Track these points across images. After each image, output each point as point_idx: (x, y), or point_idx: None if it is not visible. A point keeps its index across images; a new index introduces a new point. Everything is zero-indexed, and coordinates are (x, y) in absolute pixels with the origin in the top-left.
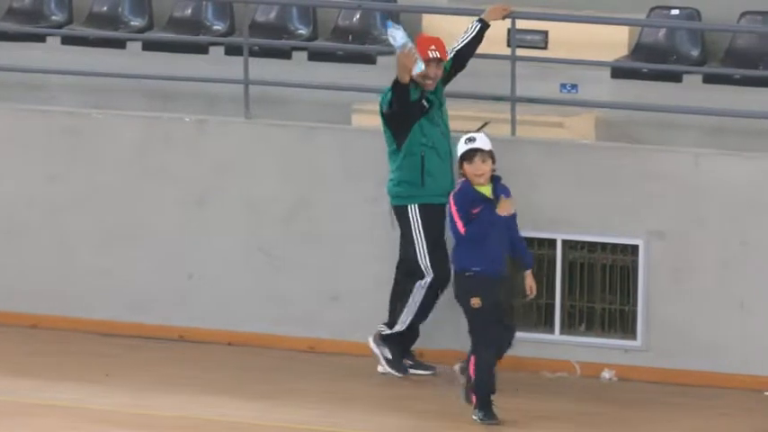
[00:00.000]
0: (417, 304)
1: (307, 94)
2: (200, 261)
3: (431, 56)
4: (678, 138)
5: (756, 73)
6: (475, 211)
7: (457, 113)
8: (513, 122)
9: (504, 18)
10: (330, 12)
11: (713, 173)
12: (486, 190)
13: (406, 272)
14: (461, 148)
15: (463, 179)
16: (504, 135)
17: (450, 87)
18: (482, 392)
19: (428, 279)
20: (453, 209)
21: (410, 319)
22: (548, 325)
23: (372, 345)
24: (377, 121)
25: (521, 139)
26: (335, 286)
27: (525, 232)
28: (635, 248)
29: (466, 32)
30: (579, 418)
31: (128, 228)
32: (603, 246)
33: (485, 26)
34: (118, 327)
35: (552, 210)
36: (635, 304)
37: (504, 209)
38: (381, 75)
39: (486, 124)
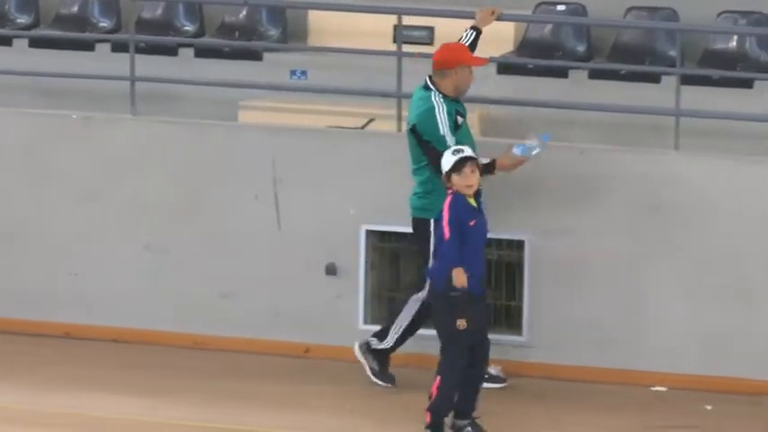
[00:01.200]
0: (410, 317)
1: (194, 90)
2: (87, 258)
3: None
4: (564, 133)
5: (642, 68)
6: (471, 223)
7: (343, 110)
8: (399, 118)
9: (498, 19)
10: (216, 8)
11: (599, 168)
12: (473, 202)
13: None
14: (450, 159)
15: (452, 191)
16: (390, 131)
17: (335, 83)
18: (438, 414)
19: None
20: (447, 219)
21: (400, 332)
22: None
23: (358, 353)
24: (263, 118)
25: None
26: (224, 284)
27: (409, 228)
28: (521, 244)
29: (460, 41)
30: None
31: (15, 225)
32: (490, 241)
33: (478, 33)
34: (6, 323)
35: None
36: (521, 300)
37: None
38: (268, 71)
39: (371, 121)
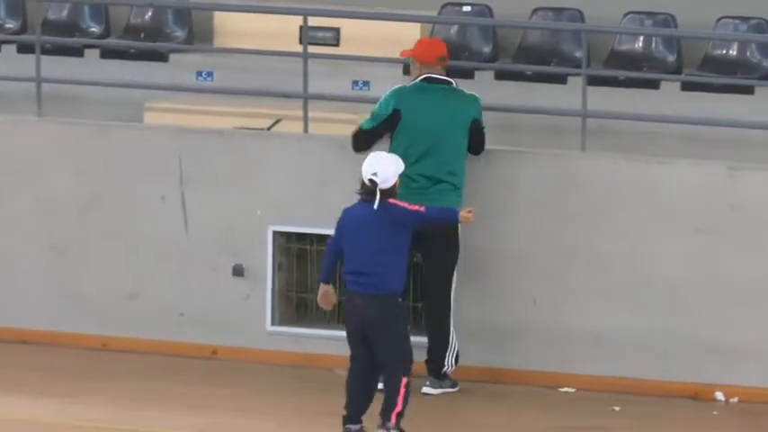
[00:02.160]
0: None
1: (99, 92)
2: None
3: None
4: None
5: (548, 69)
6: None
7: (249, 111)
8: (306, 120)
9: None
10: (122, 10)
11: (503, 169)
12: None
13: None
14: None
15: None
16: (297, 132)
17: (241, 84)
18: (403, 415)
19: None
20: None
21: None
22: (340, 321)
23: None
24: (170, 119)
25: (313, 136)
26: (131, 284)
27: (319, 229)
28: None
29: None
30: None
31: None
32: None
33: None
34: None
35: (346, 206)
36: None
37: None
38: (173, 72)
39: (278, 122)
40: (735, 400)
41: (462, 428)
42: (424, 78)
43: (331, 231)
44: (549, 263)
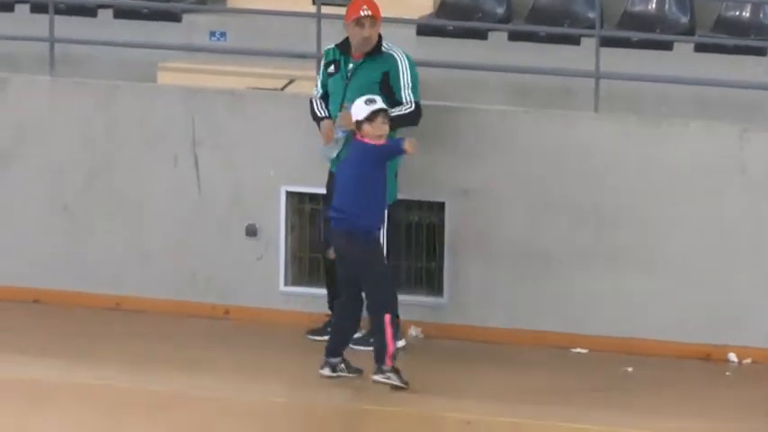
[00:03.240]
0: None
1: (112, 52)
2: (4, 221)
3: (362, 14)
4: (484, 96)
5: (561, 30)
6: None
7: (263, 71)
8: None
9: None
10: None
11: (519, 131)
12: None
13: None
14: (363, 109)
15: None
16: (310, 92)
17: (254, 45)
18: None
19: None
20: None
21: None
22: None
23: None
24: (182, 79)
25: None
26: (143, 245)
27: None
28: (441, 206)
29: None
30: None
31: None
32: (409, 203)
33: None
34: None
35: None
36: (441, 262)
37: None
38: (186, 33)
39: (291, 82)
40: (748, 361)
41: (479, 387)
42: None
43: None
44: (561, 224)
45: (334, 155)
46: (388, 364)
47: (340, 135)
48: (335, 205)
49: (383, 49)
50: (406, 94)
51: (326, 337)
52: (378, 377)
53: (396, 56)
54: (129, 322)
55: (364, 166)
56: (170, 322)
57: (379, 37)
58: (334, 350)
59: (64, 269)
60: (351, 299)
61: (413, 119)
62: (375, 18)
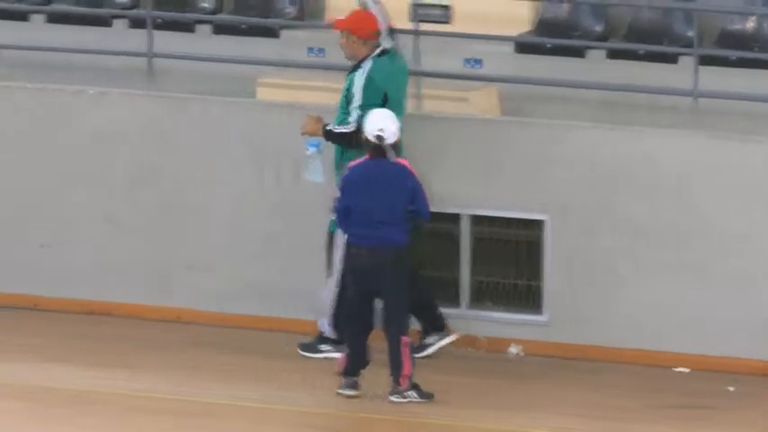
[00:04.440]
0: None
1: (212, 67)
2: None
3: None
4: (582, 113)
5: (659, 48)
6: None
7: None
8: (418, 97)
9: None
10: None
11: (616, 147)
12: None
13: None
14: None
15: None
16: (409, 109)
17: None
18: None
19: None
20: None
21: None
22: (454, 299)
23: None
24: (280, 94)
25: (424, 114)
26: (195, 256)
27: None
28: (540, 223)
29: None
30: (481, 393)
31: (29, 196)
32: (509, 221)
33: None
34: None
35: (457, 184)
36: (541, 279)
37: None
38: (284, 48)
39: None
40: None
41: (579, 407)
42: (381, 53)
43: (443, 208)
44: (660, 242)
45: (320, 178)
46: (404, 385)
47: (310, 151)
48: (373, 223)
49: (363, 62)
50: (353, 110)
51: (317, 356)
52: (395, 398)
53: (361, 69)
54: (175, 332)
55: (405, 186)
56: (220, 333)
57: (382, 50)
58: (355, 370)
59: (118, 281)
60: (368, 316)
61: (347, 141)
62: (346, 31)
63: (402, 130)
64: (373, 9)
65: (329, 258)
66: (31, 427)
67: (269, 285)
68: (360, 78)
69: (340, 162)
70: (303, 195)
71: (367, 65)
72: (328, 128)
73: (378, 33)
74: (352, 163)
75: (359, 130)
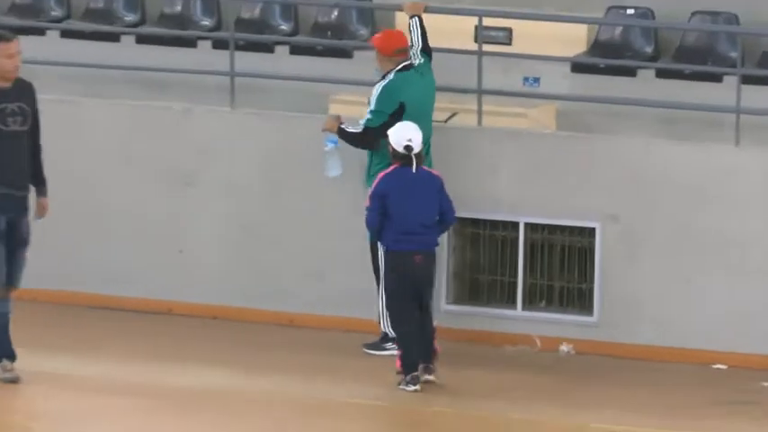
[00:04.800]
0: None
1: (288, 84)
2: (187, 239)
3: None
4: (632, 128)
5: (705, 68)
6: None
7: None
8: (480, 113)
9: (424, 11)
10: (310, 9)
11: (664, 160)
12: None
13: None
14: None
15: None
16: (472, 124)
17: None
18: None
19: None
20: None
21: None
22: (510, 301)
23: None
24: (353, 111)
25: (486, 128)
26: (315, 264)
27: (492, 214)
28: (592, 231)
29: (412, 32)
30: (537, 389)
31: (121, 206)
32: (563, 228)
33: (420, 18)
34: (109, 300)
35: (516, 194)
36: (592, 282)
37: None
38: (357, 68)
39: (454, 114)
40: None
41: (632, 403)
42: (404, 67)
43: (502, 216)
44: (702, 247)
45: (338, 172)
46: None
47: (329, 147)
48: (415, 228)
49: (388, 74)
50: (366, 114)
51: (383, 353)
52: (429, 377)
53: (384, 80)
54: (299, 336)
55: (438, 192)
56: (337, 337)
57: (408, 65)
58: (414, 365)
59: (240, 286)
60: (416, 314)
61: (355, 141)
62: (376, 47)
63: (430, 141)
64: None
65: (375, 265)
66: (168, 421)
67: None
68: (378, 87)
69: (369, 172)
70: None
71: (389, 77)
72: (342, 126)
73: (402, 50)
74: (383, 173)
75: (365, 132)
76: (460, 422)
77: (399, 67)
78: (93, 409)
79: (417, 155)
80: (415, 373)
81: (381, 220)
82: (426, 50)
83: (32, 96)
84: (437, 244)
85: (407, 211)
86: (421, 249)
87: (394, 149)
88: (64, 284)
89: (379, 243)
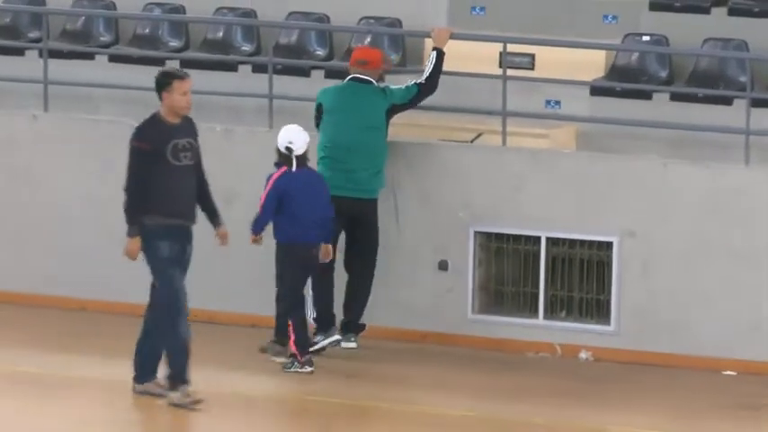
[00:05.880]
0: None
1: None
2: (226, 251)
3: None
4: (648, 148)
5: (717, 92)
6: None
7: (455, 125)
8: (504, 134)
9: (451, 38)
10: (344, 36)
11: (678, 179)
12: None
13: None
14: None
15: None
16: (496, 144)
17: (449, 102)
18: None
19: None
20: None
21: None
22: (533, 311)
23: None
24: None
25: (510, 148)
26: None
27: (515, 229)
28: (609, 245)
29: (428, 63)
30: (558, 393)
31: None
32: (582, 242)
33: (441, 52)
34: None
35: (537, 210)
36: (609, 294)
37: None
38: None
39: (479, 135)
40: None
41: (651, 406)
42: (350, 78)
43: (525, 231)
44: (715, 261)
45: None
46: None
47: None
48: (314, 221)
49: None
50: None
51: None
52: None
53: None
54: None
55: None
56: (373, 345)
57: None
58: (305, 347)
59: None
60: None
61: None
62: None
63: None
64: None
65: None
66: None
67: None
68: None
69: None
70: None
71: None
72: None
73: (358, 62)
74: (278, 173)
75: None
76: (483, 425)
77: (349, 77)
78: None
79: (299, 156)
80: (309, 356)
81: (273, 216)
82: (428, 85)
83: (196, 131)
84: (330, 236)
85: (303, 208)
86: (317, 242)
87: (278, 149)
88: (111, 294)
89: (274, 237)
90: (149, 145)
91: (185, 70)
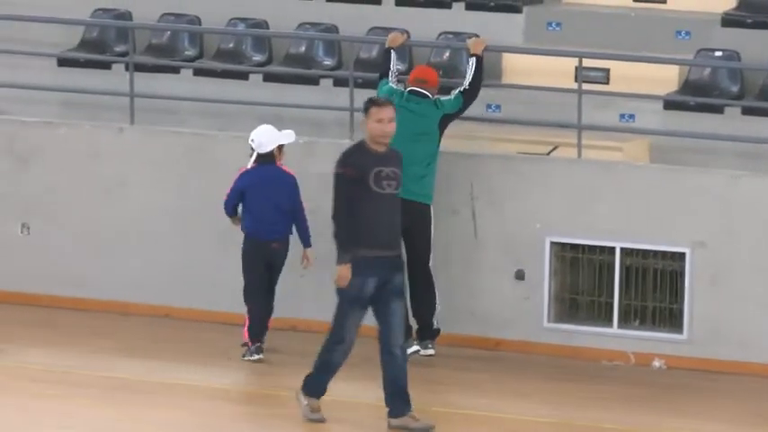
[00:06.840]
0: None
1: None
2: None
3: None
4: (719, 162)
5: None
6: None
7: (532, 138)
8: (579, 146)
9: (486, 49)
10: (423, 51)
11: (748, 192)
12: None
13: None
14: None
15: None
16: (572, 157)
17: (526, 116)
18: None
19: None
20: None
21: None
22: (607, 320)
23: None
24: (463, 144)
25: (585, 160)
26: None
27: (590, 240)
28: (682, 255)
29: (468, 69)
30: (631, 400)
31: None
32: (655, 253)
33: (479, 58)
34: (232, 317)
35: (612, 221)
36: (682, 303)
37: None
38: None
39: (555, 148)
40: None
41: (723, 413)
42: (408, 91)
43: (600, 242)
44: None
45: None
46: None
47: None
48: (270, 219)
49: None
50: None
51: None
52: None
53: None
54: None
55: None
56: (448, 351)
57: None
58: (258, 335)
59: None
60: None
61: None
62: None
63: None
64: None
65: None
66: None
67: None
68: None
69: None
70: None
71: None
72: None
73: (417, 81)
74: (243, 169)
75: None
76: (558, 430)
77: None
78: None
79: (260, 154)
80: (259, 344)
81: (236, 209)
82: (471, 90)
83: (401, 163)
84: (290, 233)
85: (263, 203)
86: (275, 238)
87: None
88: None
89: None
90: (352, 170)
91: (376, 99)
